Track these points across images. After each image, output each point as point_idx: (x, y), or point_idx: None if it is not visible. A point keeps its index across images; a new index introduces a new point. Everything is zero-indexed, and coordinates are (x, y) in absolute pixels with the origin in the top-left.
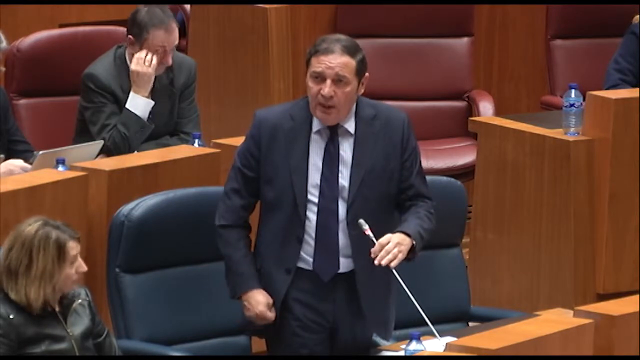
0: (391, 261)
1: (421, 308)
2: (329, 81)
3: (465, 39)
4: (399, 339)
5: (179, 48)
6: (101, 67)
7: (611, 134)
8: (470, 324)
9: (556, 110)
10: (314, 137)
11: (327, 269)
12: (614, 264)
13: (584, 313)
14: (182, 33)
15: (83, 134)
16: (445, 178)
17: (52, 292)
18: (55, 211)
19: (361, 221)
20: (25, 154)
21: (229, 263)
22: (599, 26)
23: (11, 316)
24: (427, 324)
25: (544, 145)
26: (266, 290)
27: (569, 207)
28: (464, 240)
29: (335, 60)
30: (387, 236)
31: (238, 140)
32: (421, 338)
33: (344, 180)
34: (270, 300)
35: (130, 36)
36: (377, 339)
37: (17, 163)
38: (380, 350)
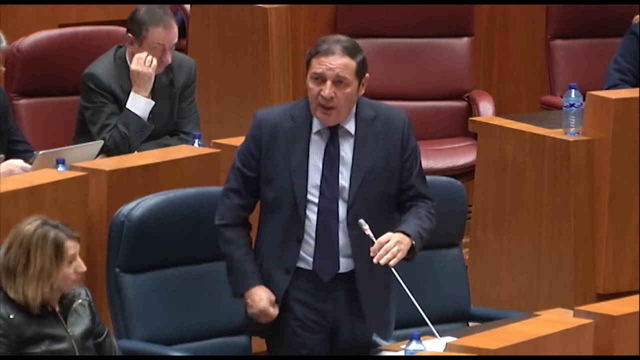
0: (390, 260)
1: (421, 308)
2: (329, 82)
3: (465, 39)
4: (399, 339)
5: (179, 48)
6: (101, 67)
7: (611, 134)
8: (470, 324)
9: (556, 110)
10: (314, 138)
11: (327, 269)
12: (614, 264)
13: (584, 313)
14: (182, 33)
15: (83, 134)
16: (445, 178)
17: (50, 291)
18: (55, 211)
19: (361, 221)
20: (25, 154)
21: (230, 261)
22: (599, 26)
23: (11, 316)
24: (427, 324)
25: (544, 145)
26: None
27: (569, 207)
28: (464, 240)
29: (335, 62)
30: (387, 235)
31: (238, 140)
32: (421, 338)
33: (344, 180)
34: (273, 297)
35: (129, 34)
36: (377, 339)
37: (17, 163)
38: (380, 350)
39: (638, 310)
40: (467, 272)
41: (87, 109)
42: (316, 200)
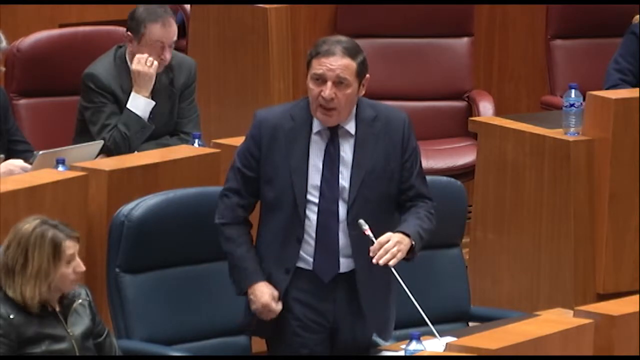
0: (390, 260)
1: (421, 308)
2: (329, 83)
3: (465, 39)
4: (399, 339)
5: (179, 48)
6: (101, 67)
7: (611, 134)
8: (470, 324)
9: (556, 110)
10: (314, 138)
11: (327, 269)
12: (614, 264)
13: (584, 313)
14: (182, 33)
15: (83, 134)
16: (445, 178)
17: (48, 290)
18: (55, 211)
19: (361, 221)
20: (25, 154)
21: (232, 259)
22: (599, 26)
23: (11, 316)
24: (427, 324)
25: (544, 145)
26: None
27: (569, 207)
28: (464, 240)
29: (336, 63)
30: (387, 235)
31: (238, 140)
32: (421, 338)
33: (344, 181)
34: (276, 292)
35: (128, 33)
36: (377, 339)
37: (17, 163)
38: (380, 350)
39: (638, 310)
40: (467, 272)
41: (87, 109)
42: (316, 201)
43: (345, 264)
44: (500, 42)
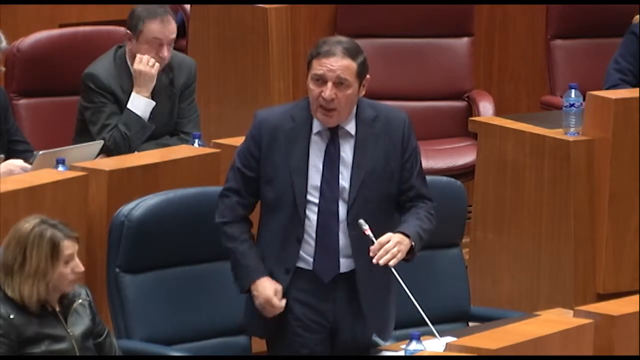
0: (390, 260)
1: (421, 308)
2: (330, 84)
3: (465, 39)
4: (399, 339)
5: (179, 48)
6: (101, 67)
7: (611, 134)
8: (470, 324)
9: (556, 110)
10: (315, 139)
11: (327, 269)
12: (614, 264)
13: (584, 313)
14: (182, 33)
15: (83, 134)
16: (445, 178)
17: (46, 290)
18: (55, 211)
19: (361, 221)
20: (25, 154)
21: (235, 256)
22: (599, 26)
23: (11, 316)
24: (427, 324)
25: (544, 145)
26: None
27: (569, 207)
28: (464, 240)
29: (336, 63)
30: (387, 235)
31: (238, 140)
32: (421, 338)
33: (344, 181)
34: (279, 287)
35: (127, 31)
36: (376, 339)
37: (17, 163)
38: (380, 350)
39: (638, 310)
40: (467, 272)
41: (87, 109)
42: (316, 201)
43: (345, 264)
44: (500, 42)
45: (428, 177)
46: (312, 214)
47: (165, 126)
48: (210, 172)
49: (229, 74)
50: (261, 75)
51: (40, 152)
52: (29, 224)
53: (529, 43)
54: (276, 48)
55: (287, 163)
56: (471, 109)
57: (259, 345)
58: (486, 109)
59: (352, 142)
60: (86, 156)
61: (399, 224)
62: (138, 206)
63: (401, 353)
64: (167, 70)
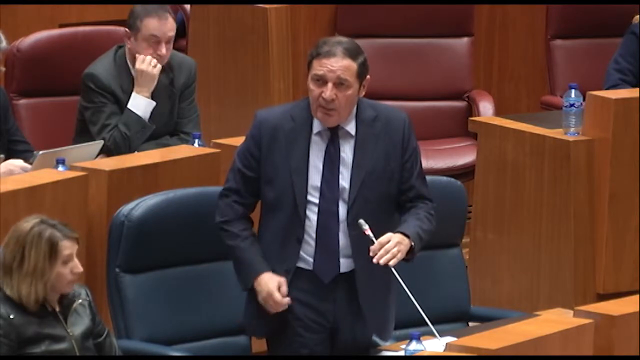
0: (390, 260)
1: (421, 308)
2: (330, 84)
3: (465, 39)
4: (399, 339)
5: (179, 48)
6: (101, 67)
7: (611, 134)
8: (470, 324)
9: (556, 110)
10: (315, 139)
11: (327, 270)
12: (614, 264)
13: (584, 313)
14: (182, 33)
15: (83, 134)
16: (445, 178)
17: (44, 290)
18: (55, 211)
19: (361, 221)
20: (25, 154)
21: (236, 254)
22: (599, 26)
23: (11, 316)
24: (427, 324)
25: (544, 145)
26: None
27: (569, 207)
28: (464, 240)
29: (337, 64)
30: (387, 235)
31: (238, 140)
32: (421, 338)
33: (344, 181)
34: (282, 279)
35: (127, 30)
36: (376, 339)
37: (17, 163)
38: (380, 350)
39: (638, 310)
40: (467, 272)
41: (87, 109)
42: (316, 201)
43: (345, 264)
44: (500, 42)
45: (428, 177)
46: (312, 214)
47: (165, 126)
48: (210, 172)
49: (229, 74)
50: (261, 75)
51: (40, 152)
52: (28, 223)
53: (529, 43)
54: (276, 48)
55: (287, 163)
56: (471, 109)
57: (259, 345)
58: (486, 109)
59: (352, 142)
60: (86, 156)
61: (399, 224)
62: (138, 206)
63: (401, 353)
64: (167, 70)
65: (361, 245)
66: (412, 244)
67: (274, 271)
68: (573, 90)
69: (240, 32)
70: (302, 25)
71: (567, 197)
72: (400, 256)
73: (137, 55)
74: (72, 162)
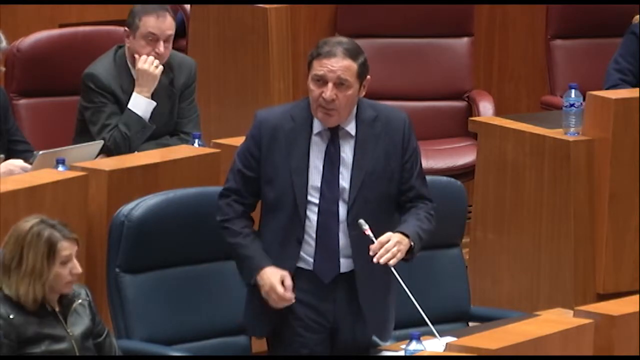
0: (390, 260)
1: (421, 308)
2: (330, 84)
3: (465, 39)
4: (399, 339)
5: (179, 48)
6: (101, 67)
7: (611, 134)
8: (470, 324)
9: (556, 110)
10: (315, 139)
11: (327, 270)
12: (614, 264)
13: (584, 313)
14: (182, 33)
15: (83, 134)
16: (445, 178)
17: (42, 290)
18: (55, 211)
19: (361, 221)
20: (25, 154)
21: (238, 250)
22: (599, 26)
23: (11, 316)
24: (427, 324)
25: (544, 145)
26: None
27: (569, 207)
28: (464, 240)
29: (337, 64)
30: (387, 234)
31: (238, 140)
32: (421, 338)
33: (344, 181)
34: (285, 273)
35: (126, 29)
36: (376, 339)
37: (17, 163)
38: (380, 350)
39: (638, 310)
40: (467, 272)
41: (87, 109)
42: (316, 201)
43: (345, 264)
44: (500, 42)
45: (428, 177)
46: (312, 215)
47: (165, 126)
48: (210, 172)
49: (229, 74)
50: (261, 75)
51: (40, 152)
52: (28, 223)
53: (529, 43)
54: (276, 48)
55: (287, 163)
56: (471, 109)
57: (259, 345)
58: (486, 109)
59: (352, 142)
60: (86, 156)
61: (399, 224)
62: (138, 206)
63: (401, 353)
64: (167, 70)
65: (361, 245)
66: (412, 243)
67: None
68: (573, 90)
69: (240, 32)
70: (302, 25)
71: (567, 197)
72: (400, 256)
73: (136, 55)
74: (72, 162)
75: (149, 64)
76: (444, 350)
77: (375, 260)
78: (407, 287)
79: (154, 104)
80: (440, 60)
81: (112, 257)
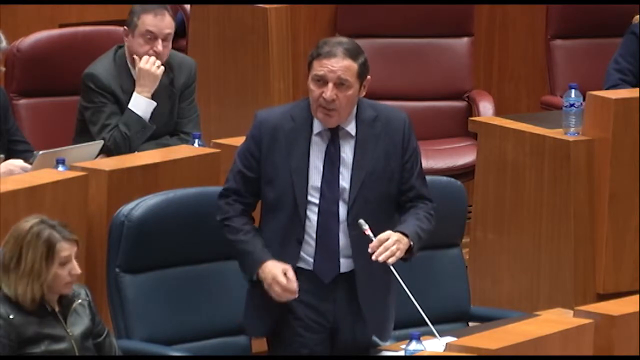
0: (389, 258)
1: (421, 308)
2: (330, 85)
3: (465, 39)
4: (399, 339)
5: (179, 48)
6: (101, 67)
7: (611, 134)
8: (470, 324)
9: (556, 110)
10: (315, 139)
11: (327, 270)
12: (614, 264)
13: (584, 313)
14: (182, 33)
15: (83, 134)
16: (445, 178)
17: (41, 290)
18: (55, 211)
19: (361, 221)
20: (25, 154)
21: (238, 247)
22: (599, 26)
23: (11, 316)
24: (427, 324)
25: (544, 145)
26: None
27: (569, 207)
28: (464, 240)
29: (337, 64)
30: (387, 233)
31: (238, 140)
32: (421, 338)
33: (344, 182)
34: (287, 266)
35: (125, 28)
36: (376, 339)
37: (17, 163)
38: (380, 350)
39: (638, 310)
40: (467, 272)
41: (87, 109)
42: (317, 201)
43: (345, 264)
44: (500, 42)
45: (428, 177)
46: (312, 215)
47: (165, 126)
48: (210, 172)
49: (229, 74)
50: (261, 75)
51: (40, 152)
52: (28, 223)
53: (529, 43)
54: (276, 48)
55: (287, 163)
56: (471, 109)
57: (259, 345)
58: (486, 109)
59: (352, 142)
60: (86, 156)
61: (399, 224)
62: (138, 206)
63: (401, 353)
64: (167, 70)
65: (361, 245)
66: (411, 243)
67: None
68: (573, 90)
69: (240, 32)
70: (302, 25)
71: (567, 197)
72: (399, 254)
73: (134, 55)
74: (72, 162)
75: (150, 64)
76: (444, 350)
77: (374, 258)
78: (407, 287)
79: (154, 104)
80: (440, 60)
81: (112, 257)
